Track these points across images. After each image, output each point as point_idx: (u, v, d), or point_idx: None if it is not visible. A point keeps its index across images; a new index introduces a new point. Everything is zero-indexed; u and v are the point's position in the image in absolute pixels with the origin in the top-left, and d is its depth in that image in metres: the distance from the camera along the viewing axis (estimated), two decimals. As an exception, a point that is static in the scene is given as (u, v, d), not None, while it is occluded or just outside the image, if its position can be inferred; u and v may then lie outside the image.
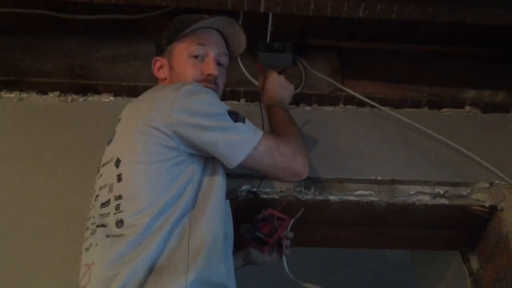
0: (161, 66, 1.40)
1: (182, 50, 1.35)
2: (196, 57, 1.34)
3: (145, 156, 1.16)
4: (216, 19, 1.38)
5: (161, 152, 1.16)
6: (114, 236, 1.12)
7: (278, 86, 1.48)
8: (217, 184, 1.22)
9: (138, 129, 1.18)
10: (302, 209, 1.50)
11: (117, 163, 1.19)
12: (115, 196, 1.16)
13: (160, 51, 1.42)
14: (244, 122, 1.22)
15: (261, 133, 1.22)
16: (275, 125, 1.36)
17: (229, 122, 1.19)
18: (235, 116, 1.21)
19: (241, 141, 1.18)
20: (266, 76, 1.52)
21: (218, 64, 1.38)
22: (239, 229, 1.46)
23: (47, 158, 1.68)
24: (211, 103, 1.21)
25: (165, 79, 1.38)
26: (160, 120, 1.15)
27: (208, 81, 1.33)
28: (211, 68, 1.33)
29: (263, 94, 1.51)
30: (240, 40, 1.45)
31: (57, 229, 1.53)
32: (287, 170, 1.24)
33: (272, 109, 1.43)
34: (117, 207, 1.15)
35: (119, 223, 1.13)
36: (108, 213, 1.16)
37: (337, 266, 3.13)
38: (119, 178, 1.17)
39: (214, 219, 1.17)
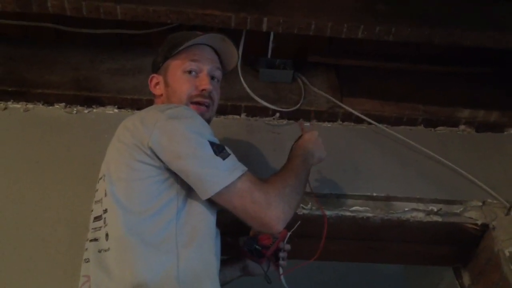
0: (157, 83, 1.44)
1: (177, 67, 1.38)
2: (190, 72, 1.37)
3: (127, 173, 1.18)
4: (208, 36, 1.41)
5: (143, 169, 1.17)
6: (104, 250, 1.15)
7: (314, 142, 1.44)
8: (205, 208, 1.20)
9: (124, 146, 1.20)
10: (299, 222, 1.53)
11: (106, 178, 1.23)
12: (103, 210, 1.20)
13: (155, 68, 1.46)
14: (224, 158, 1.16)
15: (239, 173, 1.15)
16: (282, 170, 1.31)
17: (207, 153, 1.15)
18: (217, 149, 1.16)
19: (212, 178, 1.13)
20: (308, 130, 1.52)
21: (212, 78, 1.41)
22: (237, 240, 1.50)
23: (52, 168, 1.71)
24: (193, 130, 1.17)
25: (161, 95, 1.42)
26: (142, 139, 1.17)
27: (202, 95, 1.36)
28: (204, 83, 1.36)
29: (296, 143, 1.46)
30: (232, 55, 1.48)
31: (60, 239, 1.56)
32: (256, 218, 1.15)
33: (293, 154, 1.39)
34: (105, 221, 1.18)
35: (107, 236, 1.16)
36: (100, 227, 1.20)
37: (333, 279, 3.16)
38: (106, 193, 1.21)
39: (203, 244, 1.17)
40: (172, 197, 1.18)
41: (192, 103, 1.36)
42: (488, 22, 1.75)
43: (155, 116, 1.20)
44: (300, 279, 2.84)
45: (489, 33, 1.71)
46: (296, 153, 1.38)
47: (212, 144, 1.16)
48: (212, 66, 1.41)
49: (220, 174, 1.13)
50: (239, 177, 1.15)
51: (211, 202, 1.19)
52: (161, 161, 1.17)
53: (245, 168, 1.19)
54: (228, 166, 1.15)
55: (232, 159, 1.18)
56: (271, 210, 1.15)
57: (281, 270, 1.53)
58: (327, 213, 1.70)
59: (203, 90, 1.36)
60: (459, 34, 1.70)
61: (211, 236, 1.20)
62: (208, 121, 1.39)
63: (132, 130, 1.20)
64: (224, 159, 1.15)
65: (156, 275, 1.09)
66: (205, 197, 1.14)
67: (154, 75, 1.45)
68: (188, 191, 1.19)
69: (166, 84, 1.40)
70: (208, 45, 1.44)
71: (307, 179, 1.35)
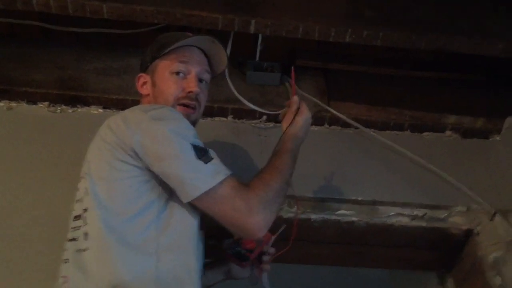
0: (144, 83, 1.42)
1: (165, 67, 1.36)
2: (178, 74, 1.35)
3: (108, 172, 1.16)
4: (198, 38, 1.40)
5: (124, 169, 1.15)
6: (83, 250, 1.13)
7: (306, 128, 1.38)
8: (187, 211, 1.18)
9: (106, 145, 1.18)
10: (284, 226, 1.52)
11: (87, 177, 1.21)
12: (83, 209, 1.18)
13: (143, 68, 1.44)
14: (207, 162, 1.12)
15: (220, 178, 1.12)
16: (268, 168, 1.25)
17: (188, 156, 1.12)
18: (200, 152, 1.13)
19: (193, 181, 1.11)
20: (301, 107, 1.39)
21: (200, 81, 1.39)
22: (221, 243, 1.49)
23: (33, 168, 1.69)
24: (176, 132, 1.15)
25: (148, 95, 1.40)
26: (125, 139, 1.15)
27: (189, 98, 1.34)
28: (192, 85, 1.34)
29: (286, 121, 1.39)
30: (222, 58, 1.46)
31: (40, 240, 1.53)
32: (237, 225, 1.12)
33: (284, 148, 1.31)
34: (85, 220, 1.16)
35: (86, 235, 1.14)
36: (79, 227, 1.18)
37: (318, 283, 3.15)
38: (87, 192, 1.19)
39: (185, 248, 1.16)
40: (154, 199, 1.16)
41: (179, 104, 1.34)
42: (475, 28, 1.76)
43: (139, 116, 1.18)
44: (286, 283, 2.83)
45: (475, 40, 1.72)
46: (287, 147, 1.31)
47: (195, 147, 1.14)
48: (201, 68, 1.39)
49: (201, 178, 1.11)
50: (221, 182, 1.12)
51: (194, 205, 1.17)
52: (143, 161, 1.15)
53: (229, 172, 1.15)
54: (210, 170, 1.12)
55: (215, 163, 1.14)
56: (252, 218, 1.11)
57: (264, 274, 1.52)
58: (313, 216, 1.69)
59: (190, 92, 1.34)
60: (445, 40, 1.71)
61: (193, 240, 1.19)
62: (194, 123, 1.37)
63: (115, 129, 1.18)
64: (206, 162, 1.12)
65: (135, 276, 1.07)
66: (185, 200, 1.12)
67: (142, 74, 1.43)
68: (170, 193, 1.17)
69: (153, 84, 1.38)
70: (198, 47, 1.42)
71: (292, 172, 1.29)
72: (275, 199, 1.17)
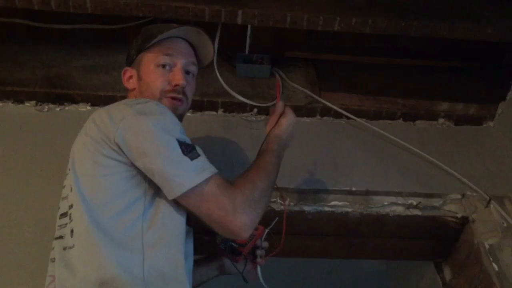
0: (130, 77, 1.39)
1: (150, 60, 1.34)
2: (164, 66, 1.32)
3: (93, 168, 1.13)
4: (183, 29, 1.36)
5: (109, 165, 1.12)
6: (69, 248, 1.11)
7: (291, 131, 1.36)
8: (174, 207, 1.15)
9: (90, 140, 1.15)
10: (277, 219, 1.50)
11: (71, 173, 1.18)
12: (69, 206, 1.15)
13: (129, 62, 1.41)
14: (192, 158, 1.09)
15: (206, 175, 1.08)
16: (253, 168, 1.22)
17: (174, 152, 1.09)
18: (186, 148, 1.10)
19: (177, 178, 1.07)
20: (286, 110, 1.36)
21: (187, 73, 1.36)
22: (214, 239, 1.47)
23: (21, 167, 1.66)
24: (161, 127, 1.11)
25: (134, 89, 1.37)
26: (108, 134, 1.12)
27: (176, 91, 1.31)
28: (178, 78, 1.31)
29: (270, 123, 1.36)
30: (208, 49, 1.44)
31: (28, 238, 1.51)
32: (221, 224, 1.09)
33: (268, 148, 1.29)
34: (70, 217, 1.13)
35: (72, 232, 1.11)
36: (66, 224, 1.15)
37: (315, 276, 3.14)
38: (71, 188, 1.16)
39: (171, 245, 1.12)
40: (139, 195, 1.13)
41: (166, 97, 1.31)
42: (465, 14, 1.75)
43: (123, 111, 1.15)
44: (282, 277, 2.82)
45: (464, 25, 1.71)
46: (271, 147, 1.29)
47: (180, 143, 1.10)
48: (187, 60, 1.36)
49: (186, 175, 1.07)
50: (206, 180, 1.08)
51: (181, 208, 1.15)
52: (128, 157, 1.12)
53: (215, 170, 1.12)
54: (196, 167, 1.09)
55: (201, 160, 1.11)
56: (236, 217, 1.08)
57: (259, 268, 1.50)
58: (306, 208, 1.68)
59: (176, 85, 1.31)
60: (434, 26, 1.69)
61: (180, 236, 1.15)
62: (181, 116, 1.35)
63: (99, 124, 1.15)
64: (192, 159, 1.09)
65: (121, 273, 1.04)
66: (170, 197, 1.09)
67: (128, 68, 1.40)
68: (156, 189, 1.14)
69: (139, 78, 1.35)
70: (184, 39, 1.39)
71: (277, 173, 1.26)
72: (260, 199, 1.14)
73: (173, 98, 1.32)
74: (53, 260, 1.15)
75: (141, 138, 1.10)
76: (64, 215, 1.17)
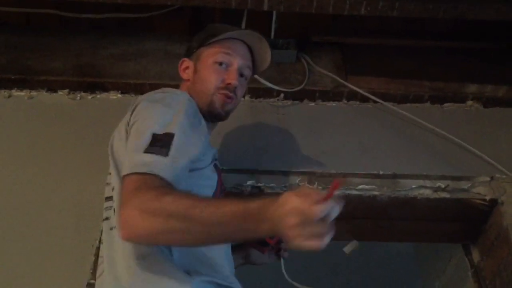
0: (186, 67, 1.43)
1: (209, 56, 1.37)
2: (220, 64, 1.36)
3: (124, 153, 1.16)
4: (246, 32, 1.41)
5: None
6: (114, 228, 1.16)
7: (283, 226, 0.85)
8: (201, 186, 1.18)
9: (121, 129, 1.23)
10: None
11: (111, 158, 1.25)
12: (112, 188, 1.22)
13: (189, 53, 1.45)
14: (152, 152, 1.04)
15: (140, 170, 1.02)
16: (208, 203, 0.96)
17: (142, 141, 1.07)
18: (157, 142, 1.06)
19: (126, 162, 1.07)
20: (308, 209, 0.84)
21: (241, 75, 1.39)
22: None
23: (57, 155, 1.72)
24: (155, 115, 1.13)
25: (188, 80, 1.41)
26: (128, 122, 1.20)
27: (228, 89, 1.35)
28: (232, 77, 1.34)
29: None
30: (266, 57, 1.46)
31: (67, 226, 1.57)
32: (119, 215, 0.99)
33: (247, 207, 0.90)
34: (113, 198, 1.20)
35: (115, 212, 1.17)
36: (111, 206, 1.21)
37: (342, 260, 3.16)
38: (111, 172, 1.24)
39: None
40: None
41: (219, 93, 1.35)
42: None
43: (139, 99, 1.23)
44: (308, 262, 2.86)
45: (494, 6, 1.68)
46: (249, 209, 0.90)
47: (155, 137, 1.08)
48: (244, 62, 1.39)
49: (130, 163, 1.05)
50: (137, 174, 1.02)
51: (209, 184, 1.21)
52: None
53: (157, 171, 1.01)
54: (140, 160, 1.04)
55: (154, 157, 1.04)
56: (124, 211, 0.97)
57: (282, 261, 1.52)
58: (334, 192, 1.69)
59: (229, 84, 1.35)
60: (463, 8, 1.67)
61: None
62: (228, 113, 1.39)
63: (127, 113, 1.24)
64: (148, 152, 1.05)
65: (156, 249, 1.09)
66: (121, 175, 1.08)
67: (185, 59, 1.44)
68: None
69: (195, 71, 1.40)
70: (245, 43, 1.42)
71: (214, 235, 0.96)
72: (169, 234, 0.96)
73: (225, 95, 1.35)
74: (102, 242, 1.22)
75: (135, 119, 1.17)
76: (109, 198, 1.24)
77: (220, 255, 1.21)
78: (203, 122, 1.26)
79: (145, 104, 1.19)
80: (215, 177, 1.30)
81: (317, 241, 0.82)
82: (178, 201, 0.95)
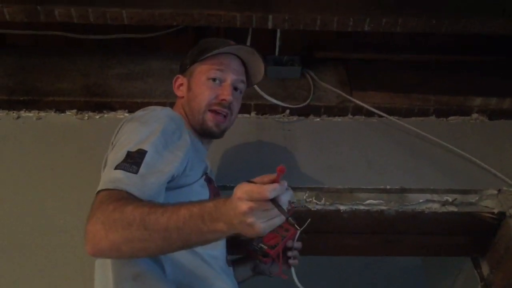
0: (181, 84, 1.44)
1: (202, 72, 1.38)
2: (214, 80, 1.36)
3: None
4: (238, 47, 1.40)
5: None
6: None
7: (236, 223, 0.87)
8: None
9: (109, 149, 1.24)
10: (309, 220, 1.50)
11: None
12: None
13: (182, 70, 1.46)
14: (122, 168, 1.05)
15: (108, 186, 1.02)
16: (164, 210, 0.93)
17: (114, 157, 1.09)
18: (129, 159, 1.07)
19: (102, 178, 1.07)
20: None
21: (235, 89, 1.40)
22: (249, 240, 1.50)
23: (66, 174, 1.73)
24: (138, 135, 1.12)
25: (182, 97, 1.42)
26: (113, 141, 1.23)
27: (221, 105, 1.35)
28: (226, 93, 1.35)
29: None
30: (259, 69, 1.46)
31: (74, 246, 1.57)
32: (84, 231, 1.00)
33: (204, 206, 0.92)
34: None
35: None
36: None
37: (350, 274, 3.15)
38: None
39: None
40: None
41: (210, 110, 1.35)
42: (495, 8, 1.73)
43: (123, 120, 1.25)
44: (317, 276, 2.85)
45: (495, 20, 1.70)
46: (205, 209, 0.91)
47: (129, 154, 1.08)
48: (237, 77, 1.39)
49: (103, 179, 1.06)
50: (106, 190, 1.02)
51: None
52: None
53: (124, 187, 1.02)
54: (110, 177, 1.04)
55: (124, 173, 1.04)
56: (91, 225, 0.97)
57: (292, 269, 1.52)
58: (341, 207, 1.70)
59: (223, 100, 1.35)
60: (465, 22, 1.69)
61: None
62: (224, 131, 1.40)
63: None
64: (120, 169, 1.05)
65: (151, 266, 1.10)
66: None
67: (179, 76, 1.45)
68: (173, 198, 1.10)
69: (189, 87, 1.40)
70: (237, 56, 1.42)
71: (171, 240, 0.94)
72: (131, 242, 0.95)
73: (217, 112, 1.35)
74: (95, 266, 1.21)
75: (117, 138, 1.19)
76: None
77: (216, 268, 1.21)
78: (187, 137, 1.21)
79: (127, 124, 1.21)
80: (205, 192, 1.28)
81: (271, 224, 0.86)
82: (136, 209, 0.94)
